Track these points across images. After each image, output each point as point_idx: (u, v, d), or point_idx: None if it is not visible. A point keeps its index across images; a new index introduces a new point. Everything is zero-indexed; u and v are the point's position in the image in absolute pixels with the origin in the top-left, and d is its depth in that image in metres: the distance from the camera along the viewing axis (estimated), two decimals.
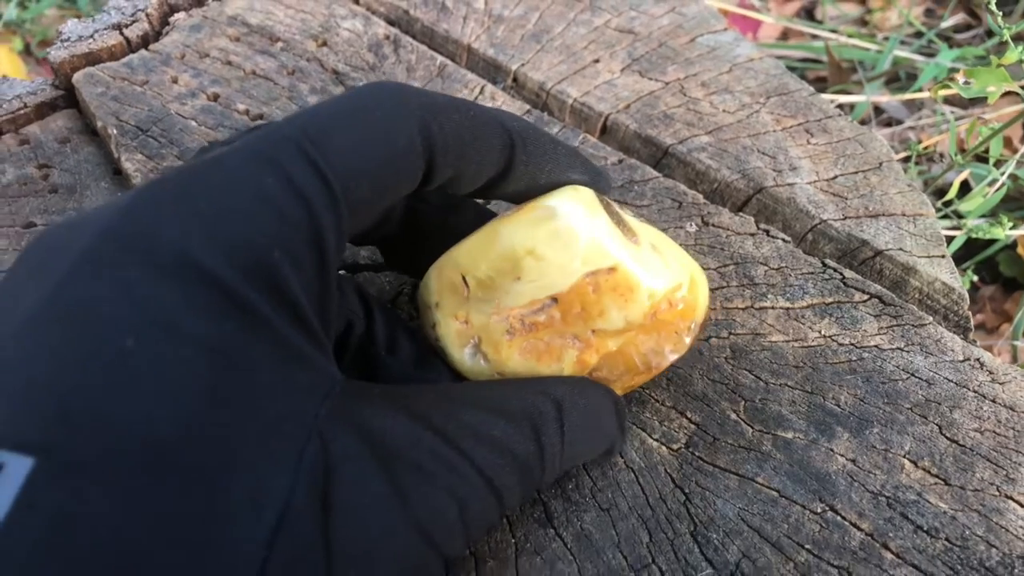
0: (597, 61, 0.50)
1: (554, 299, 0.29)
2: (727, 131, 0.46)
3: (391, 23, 0.55)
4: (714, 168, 0.44)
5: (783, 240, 0.40)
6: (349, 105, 0.26)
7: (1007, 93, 0.43)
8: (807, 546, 0.31)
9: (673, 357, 0.31)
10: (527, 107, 0.48)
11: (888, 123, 0.83)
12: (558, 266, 0.28)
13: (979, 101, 0.64)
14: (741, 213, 0.42)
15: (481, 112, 0.28)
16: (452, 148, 0.27)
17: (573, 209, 0.28)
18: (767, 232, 0.41)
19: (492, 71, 0.51)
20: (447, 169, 0.28)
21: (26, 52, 1.14)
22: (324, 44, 0.51)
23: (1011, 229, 0.51)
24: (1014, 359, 0.63)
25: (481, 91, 0.48)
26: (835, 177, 0.43)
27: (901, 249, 0.40)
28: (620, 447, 0.32)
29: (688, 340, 0.31)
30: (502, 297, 0.29)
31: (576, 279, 0.28)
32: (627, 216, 0.31)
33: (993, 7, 0.43)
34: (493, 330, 0.30)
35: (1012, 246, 0.71)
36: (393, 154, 0.26)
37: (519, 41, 0.52)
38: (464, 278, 0.30)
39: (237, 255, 0.22)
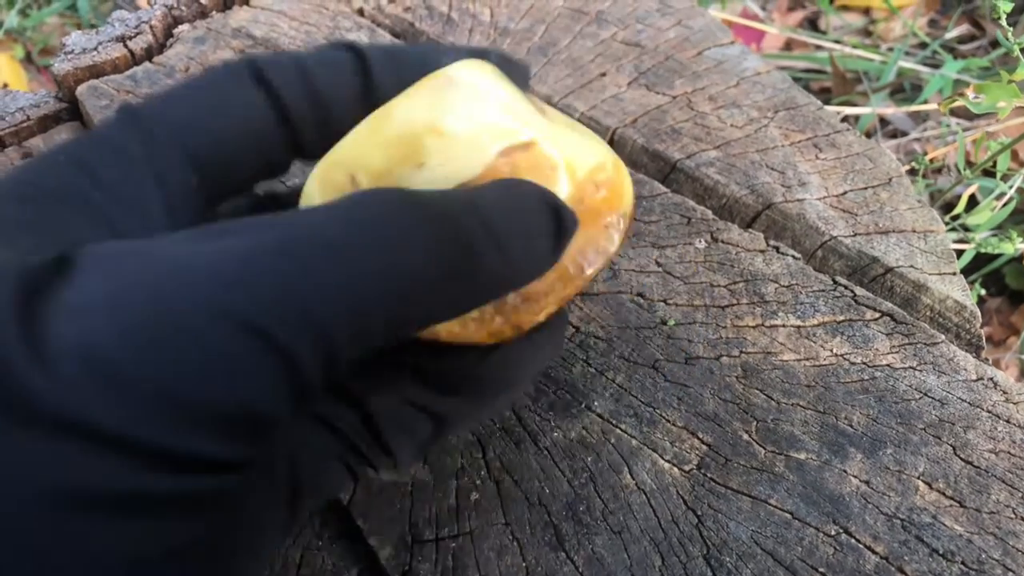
0: (604, 75, 0.50)
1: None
2: (735, 146, 0.45)
3: (396, 36, 0.54)
4: (723, 183, 0.44)
5: (793, 257, 0.40)
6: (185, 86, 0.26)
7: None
8: (821, 569, 0.31)
9: (603, 258, 0.27)
10: None
11: (893, 135, 0.83)
12: (466, 143, 0.23)
13: (985, 114, 0.64)
14: (750, 229, 0.42)
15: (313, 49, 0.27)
16: (294, 78, 0.26)
17: (475, 76, 0.24)
18: (777, 249, 0.40)
19: None
20: (301, 102, 0.26)
21: (27, 60, 1.13)
22: None
23: (1021, 243, 0.51)
24: (1022, 373, 0.63)
25: None
26: (844, 193, 0.43)
27: (912, 266, 0.40)
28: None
29: (618, 237, 0.27)
30: None
31: (489, 158, 0.23)
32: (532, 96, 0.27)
33: (1004, 21, 0.43)
34: None
35: (1018, 259, 0.70)
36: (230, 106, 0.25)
37: (525, 54, 0.51)
38: (354, 177, 0.24)
39: None
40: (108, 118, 0.25)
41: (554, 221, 0.23)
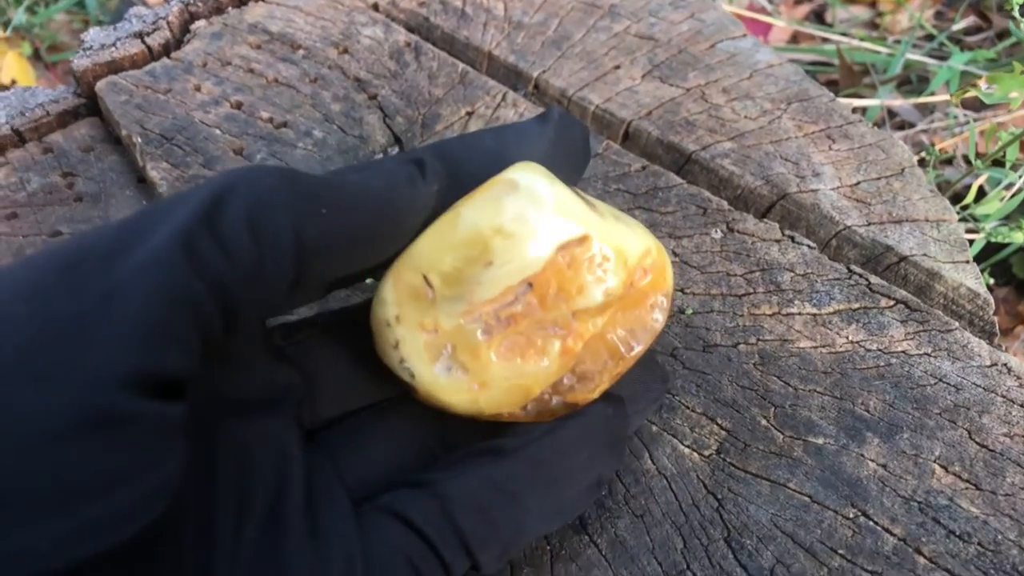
0: (618, 67, 0.50)
1: (529, 284, 0.26)
2: (749, 137, 0.46)
3: (411, 30, 0.55)
4: (737, 174, 0.44)
5: (808, 246, 0.41)
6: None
7: None
8: (840, 551, 0.31)
9: (651, 336, 0.29)
10: None
11: (901, 126, 0.83)
12: (529, 241, 0.25)
13: (993, 105, 0.64)
14: (765, 219, 0.42)
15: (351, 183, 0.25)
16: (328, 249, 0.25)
17: (533, 179, 0.26)
18: (792, 238, 0.41)
19: (513, 78, 0.51)
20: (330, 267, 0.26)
21: (35, 57, 1.14)
22: (345, 51, 0.52)
23: None
24: None
25: (503, 98, 0.49)
26: (858, 183, 0.44)
27: (926, 255, 0.40)
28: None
29: (662, 316, 0.29)
30: (473, 290, 0.26)
31: (549, 254, 0.26)
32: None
33: (1016, 13, 0.43)
34: (467, 333, 0.26)
35: None
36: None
37: (539, 48, 0.52)
38: (427, 278, 0.26)
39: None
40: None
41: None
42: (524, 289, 0.26)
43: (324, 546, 0.24)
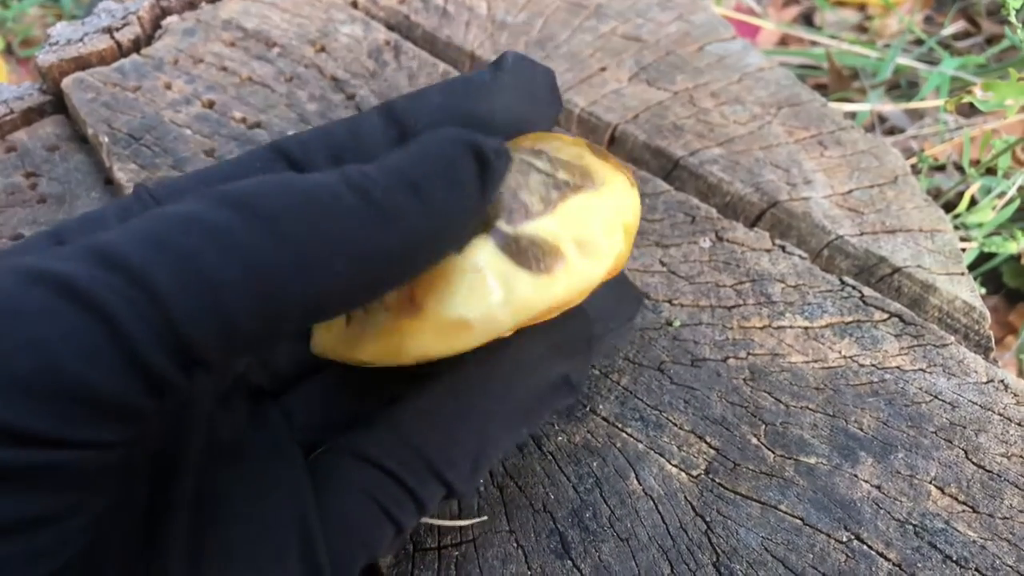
0: (604, 69, 0.49)
1: None
2: (739, 143, 0.45)
3: (391, 28, 0.53)
4: (727, 181, 0.43)
5: (800, 256, 0.39)
6: None
7: None
8: None
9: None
10: None
11: (891, 131, 0.82)
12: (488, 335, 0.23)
13: (983, 112, 0.63)
14: (755, 228, 0.41)
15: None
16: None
17: (473, 307, 0.23)
18: (783, 248, 0.40)
19: None
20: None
21: (8, 52, 1.11)
22: (322, 50, 0.50)
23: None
24: (1020, 372, 0.62)
25: None
26: (850, 191, 0.42)
27: (920, 266, 0.39)
28: None
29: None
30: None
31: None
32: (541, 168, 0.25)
33: (1013, 18, 0.42)
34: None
35: (1016, 257, 0.70)
36: None
37: (523, 48, 0.50)
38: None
39: None
40: (125, 198, 0.24)
41: (477, 163, 0.21)
42: None
43: (271, 509, 0.22)
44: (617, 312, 0.30)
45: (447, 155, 0.21)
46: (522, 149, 0.25)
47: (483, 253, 0.23)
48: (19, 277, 0.16)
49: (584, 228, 0.24)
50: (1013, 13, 0.41)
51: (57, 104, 0.49)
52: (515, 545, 0.31)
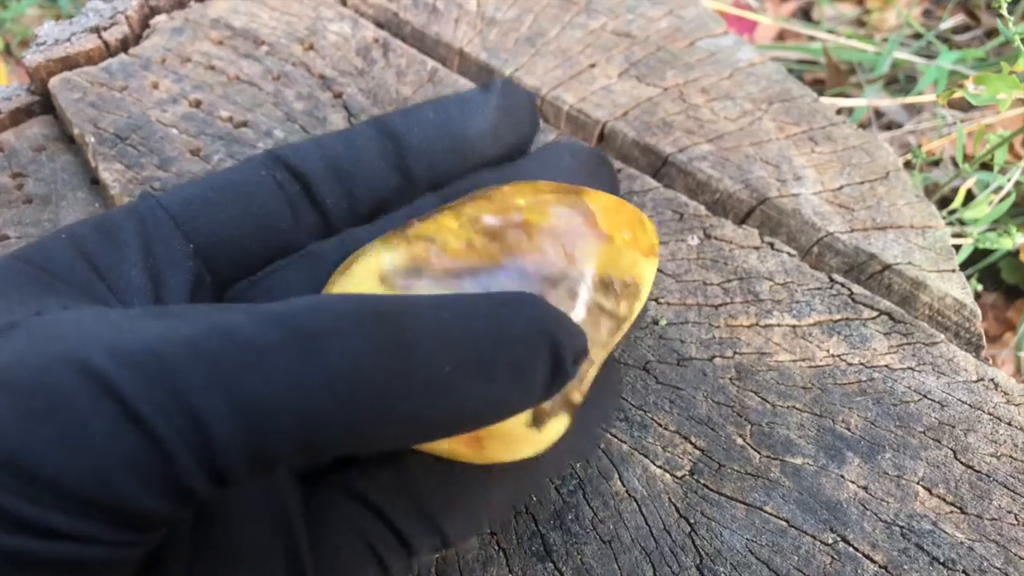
0: (593, 66, 0.49)
1: None
2: (729, 139, 0.44)
3: (380, 26, 0.53)
4: (716, 178, 0.42)
5: (788, 254, 0.39)
6: None
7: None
8: None
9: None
10: None
11: (888, 126, 0.81)
12: None
13: (983, 106, 0.63)
14: (744, 225, 0.40)
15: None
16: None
17: None
18: (772, 245, 0.39)
19: (485, 76, 0.49)
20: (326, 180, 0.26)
21: (6, 52, 1.11)
22: (311, 48, 0.50)
23: (1020, 238, 0.50)
24: (1018, 370, 0.62)
25: None
26: (841, 187, 0.42)
27: (910, 263, 0.39)
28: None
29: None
30: None
31: None
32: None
33: (1004, 11, 0.41)
34: None
35: (1014, 253, 0.69)
36: None
37: (512, 45, 0.50)
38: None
39: None
40: (128, 203, 0.26)
41: (552, 361, 0.20)
42: None
43: (263, 538, 0.22)
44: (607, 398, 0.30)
45: (525, 344, 0.20)
46: (594, 284, 0.25)
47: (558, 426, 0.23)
48: (84, 382, 0.16)
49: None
50: (1005, 6, 0.41)
51: (45, 104, 0.49)
52: (496, 548, 0.30)
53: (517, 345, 0.20)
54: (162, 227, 0.25)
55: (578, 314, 0.24)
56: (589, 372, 0.24)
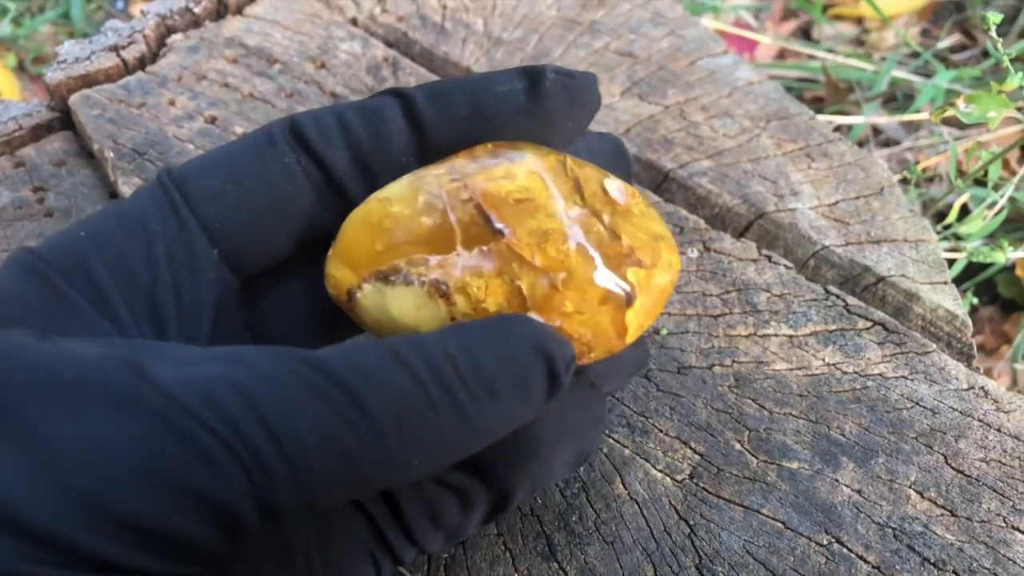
0: None
1: None
2: (728, 155, 0.46)
3: (390, 45, 0.54)
4: (715, 193, 0.44)
5: (785, 266, 0.40)
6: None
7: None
8: None
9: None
10: None
11: (886, 143, 0.83)
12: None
13: (977, 124, 0.64)
14: (743, 238, 0.42)
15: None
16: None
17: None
18: (769, 258, 0.40)
19: None
20: (344, 160, 0.25)
21: (20, 69, 1.13)
22: (322, 66, 0.51)
23: (1012, 252, 0.51)
24: (1014, 382, 0.63)
25: None
26: (836, 202, 0.43)
27: (904, 275, 0.40)
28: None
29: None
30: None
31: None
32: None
33: (993, 32, 0.43)
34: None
35: (1011, 267, 0.71)
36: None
37: (519, 64, 0.51)
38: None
39: None
40: (143, 186, 0.25)
41: (548, 375, 0.22)
42: None
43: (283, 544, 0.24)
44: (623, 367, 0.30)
45: (523, 362, 0.21)
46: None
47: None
48: (181, 418, 0.18)
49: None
50: (993, 28, 0.42)
51: (65, 120, 0.50)
52: (503, 548, 0.32)
53: (517, 364, 0.21)
54: (185, 231, 0.24)
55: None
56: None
